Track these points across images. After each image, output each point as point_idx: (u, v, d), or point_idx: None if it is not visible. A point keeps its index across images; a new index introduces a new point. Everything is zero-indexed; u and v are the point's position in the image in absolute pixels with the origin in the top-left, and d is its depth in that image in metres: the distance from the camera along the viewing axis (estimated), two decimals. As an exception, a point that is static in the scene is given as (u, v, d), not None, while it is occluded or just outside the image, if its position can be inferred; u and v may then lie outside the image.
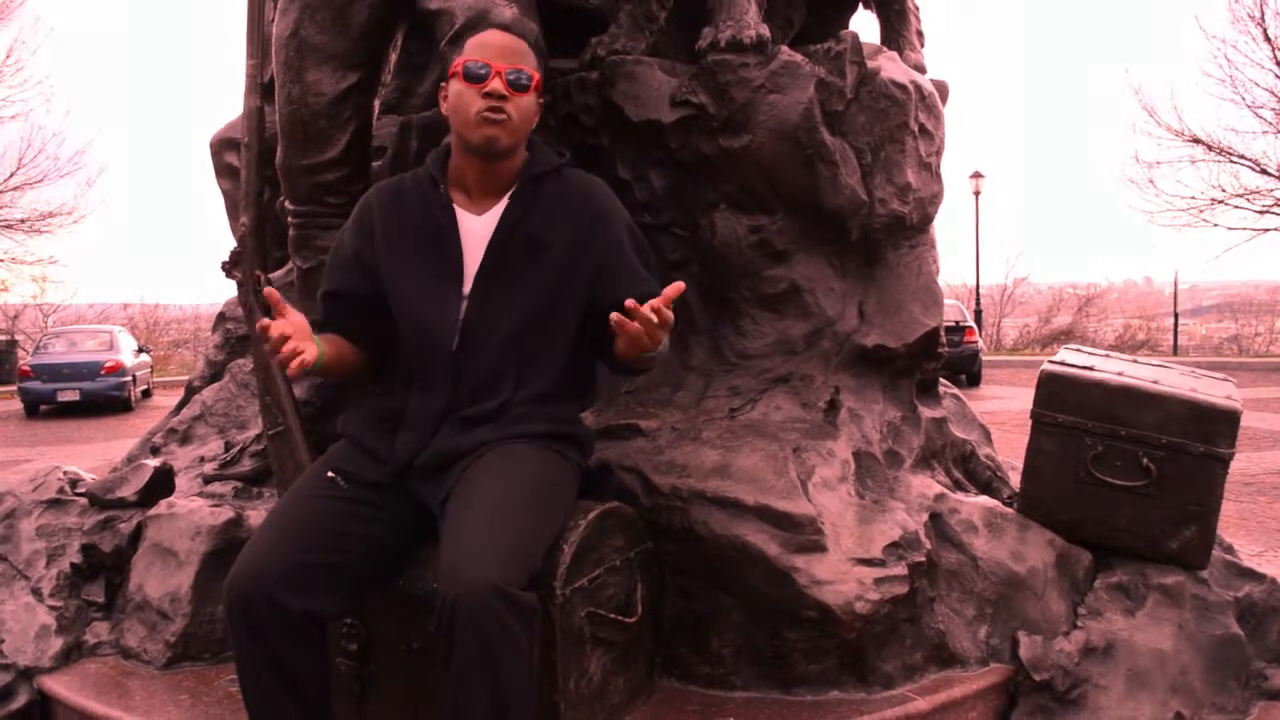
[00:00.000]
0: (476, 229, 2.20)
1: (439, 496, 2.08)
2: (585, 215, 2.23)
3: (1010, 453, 3.81)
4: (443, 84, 2.24)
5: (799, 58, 2.83)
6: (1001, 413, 11.39)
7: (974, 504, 2.84)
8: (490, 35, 2.22)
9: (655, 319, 1.91)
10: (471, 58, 2.15)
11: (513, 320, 2.17)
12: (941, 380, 3.40)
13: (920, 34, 3.66)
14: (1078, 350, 3.14)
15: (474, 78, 2.13)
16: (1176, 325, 28.25)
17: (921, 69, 3.44)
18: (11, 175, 23.17)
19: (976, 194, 25.66)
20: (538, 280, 2.18)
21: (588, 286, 2.20)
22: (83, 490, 3.15)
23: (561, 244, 2.19)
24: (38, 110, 31.32)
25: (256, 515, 2.86)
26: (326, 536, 2.01)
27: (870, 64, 2.92)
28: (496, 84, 2.12)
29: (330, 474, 2.13)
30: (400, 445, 2.15)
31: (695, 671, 2.52)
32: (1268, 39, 20.41)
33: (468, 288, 2.18)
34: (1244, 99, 21.19)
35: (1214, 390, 2.88)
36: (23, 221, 23.71)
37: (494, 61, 2.13)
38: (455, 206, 2.22)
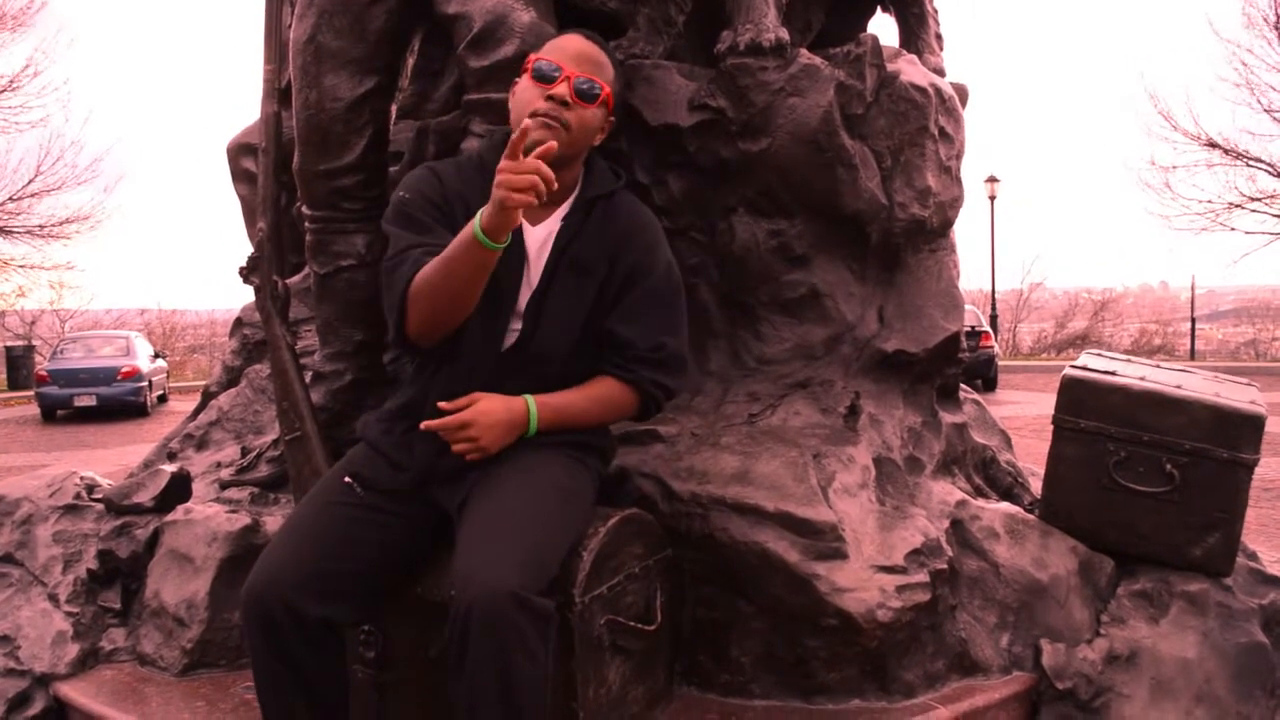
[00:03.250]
0: (531, 241, 2.15)
1: (456, 501, 2.07)
2: (627, 247, 2.18)
3: (1027, 458, 3.79)
4: (515, 79, 2.19)
5: (818, 61, 2.81)
6: (1018, 418, 11.35)
7: (995, 510, 2.81)
8: (570, 40, 2.17)
9: (449, 423, 2.01)
10: (545, 57, 2.11)
11: (558, 346, 2.15)
12: (961, 385, 3.38)
13: (939, 37, 3.64)
14: (1099, 355, 3.11)
15: (543, 77, 2.09)
16: (1194, 330, 28.13)
17: (941, 72, 3.42)
18: (30, 182, 23.39)
19: (992, 198, 25.62)
20: (581, 306, 2.15)
21: (614, 303, 2.19)
22: (99, 496, 3.15)
23: (602, 270, 2.16)
24: (56, 117, 31.58)
25: (273, 521, 2.86)
26: (344, 543, 2.00)
27: (890, 67, 2.90)
28: (563, 88, 2.07)
29: (347, 479, 2.12)
30: (419, 454, 2.13)
31: (715, 680, 2.50)
32: (1285, 42, 20.33)
33: (522, 303, 2.13)
34: (1260, 103, 21.13)
35: (1238, 395, 2.85)
36: (41, 228, 23.89)
37: (566, 65, 2.09)
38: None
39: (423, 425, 2.04)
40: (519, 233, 2.08)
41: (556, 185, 1.87)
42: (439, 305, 2.00)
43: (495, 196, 1.84)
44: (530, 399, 2.09)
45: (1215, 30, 32.68)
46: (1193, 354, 26.29)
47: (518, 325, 2.14)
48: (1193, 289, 29.68)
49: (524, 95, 2.11)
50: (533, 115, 2.03)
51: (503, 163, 1.84)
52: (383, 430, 2.22)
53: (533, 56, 2.14)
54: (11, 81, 22.62)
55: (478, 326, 2.10)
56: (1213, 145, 21.87)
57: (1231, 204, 22.27)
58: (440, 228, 2.10)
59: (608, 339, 2.18)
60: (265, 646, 1.93)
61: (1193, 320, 28.49)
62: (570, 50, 2.12)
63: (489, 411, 2.04)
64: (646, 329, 2.18)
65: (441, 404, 2.03)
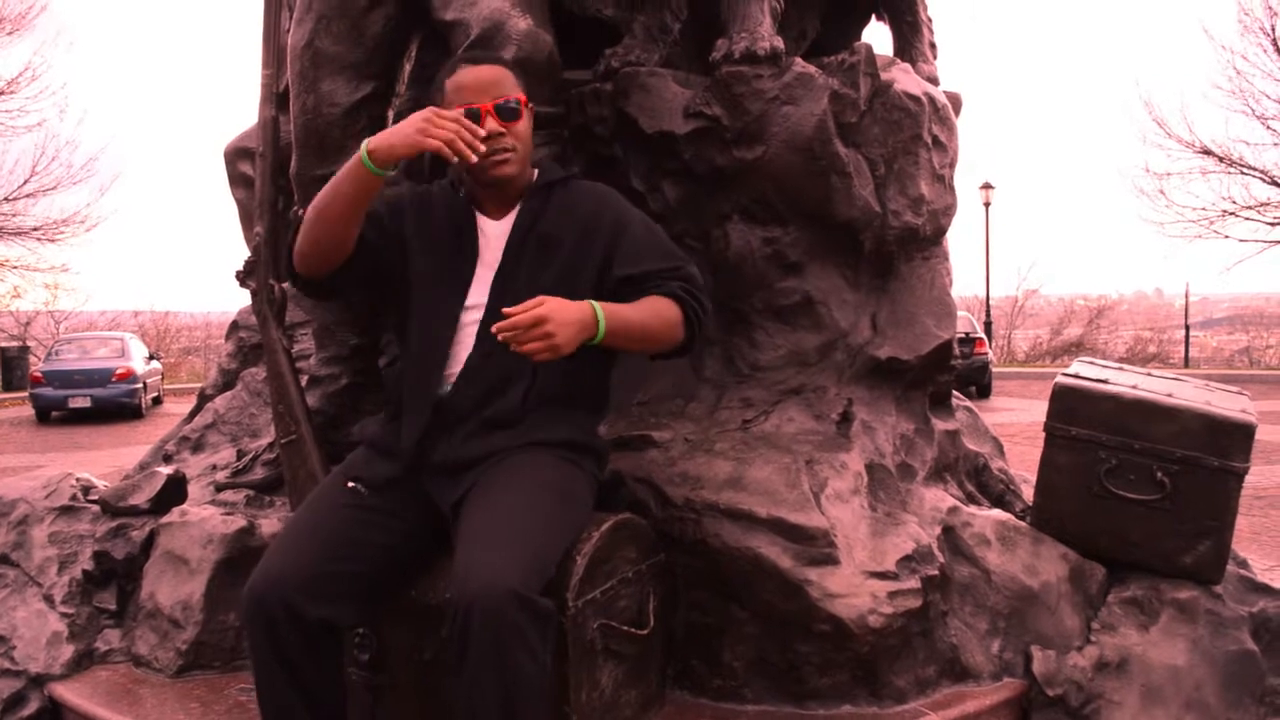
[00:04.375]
0: (493, 232, 2.25)
1: (451, 499, 2.10)
2: (595, 212, 2.27)
3: (1022, 465, 3.80)
4: None
5: (813, 69, 2.83)
6: (1012, 425, 11.36)
7: (987, 517, 2.83)
8: (464, 75, 2.23)
9: (522, 321, 1.94)
10: (457, 104, 2.18)
11: None
12: (954, 393, 3.39)
13: (933, 46, 3.66)
14: (1091, 363, 3.13)
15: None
16: (1188, 337, 28.14)
17: (935, 80, 3.44)
18: (25, 183, 23.31)
19: (986, 205, 25.63)
20: (550, 276, 2.20)
21: (598, 276, 2.22)
22: (95, 498, 3.15)
23: (571, 239, 2.22)
24: (51, 118, 31.50)
25: (269, 524, 2.87)
26: (345, 545, 2.02)
27: (884, 76, 2.92)
28: (491, 123, 2.16)
29: (350, 484, 2.14)
30: (405, 438, 2.17)
31: (707, 684, 2.51)
32: (1278, 50, 20.39)
33: (486, 288, 2.21)
34: (1254, 110, 21.18)
35: (1228, 403, 2.87)
36: (35, 229, 23.82)
37: (478, 100, 2.17)
38: (474, 210, 2.27)
39: (495, 327, 1.98)
40: (474, 229, 2.25)
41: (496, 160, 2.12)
42: (320, 227, 2.13)
43: (405, 129, 2.02)
44: (594, 302, 2.07)
45: (1210, 37, 32.77)
46: (1187, 361, 26.31)
47: (480, 303, 2.20)
48: (1186, 296, 29.71)
49: None
50: (482, 159, 2.12)
51: (430, 111, 2.03)
52: (378, 427, 2.28)
53: (459, 108, 2.18)
54: (9, 85, 22.57)
55: (434, 313, 2.21)
56: (1207, 153, 21.91)
57: (1225, 212, 22.32)
58: (384, 211, 2.27)
59: (624, 285, 2.21)
60: (265, 647, 1.94)
61: (1186, 328, 28.50)
62: (471, 86, 2.20)
63: (562, 308, 1.99)
64: (655, 258, 2.24)
65: (506, 310, 1.98)
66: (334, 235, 2.14)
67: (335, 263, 2.18)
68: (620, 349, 2.18)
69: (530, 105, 2.28)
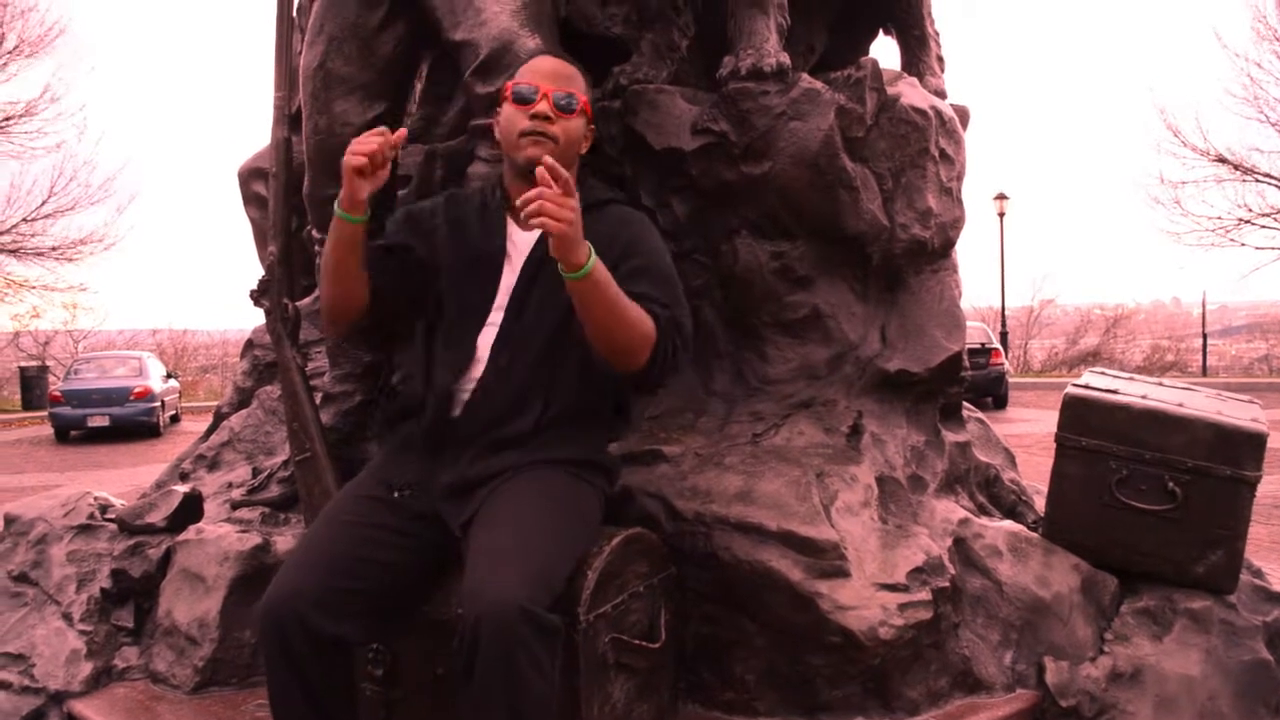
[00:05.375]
0: (520, 240, 2.26)
1: (461, 519, 2.11)
2: (613, 234, 2.23)
3: (1037, 476, 3.79)
4: (495, 109, 2.30)
5: (819, 85, 2.84)
6: (1029, 435, 11.33)
7: (998, 529, 2.83)
8: (541, 60, 2.28)
9: (550, 183, 1.88)
10: (521, 80, 2.22)
11: (544, 332, 2.20)
12: (965, 404, 3.39)
13: (940, 59, 3.67)
14: (1102, 373, 3.12)
15: (522, 99, 2.19)
16: (1205, 346, 27.98)
17: (942, 94, 3.45)
18: (43, 203, 23.50)
19: (1001, 215, 25.58)
20: (560, 296, 2.18)
21: None
22: (113, 516, 3.18)
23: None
24: (70, 140, 31.73)
25: (284, 541, 2.89)
26: (360, 562, 2.04)
27: (890, 90, 2.94)
28: (543, 105, 2.17)
29: (396, 494, 2.17)
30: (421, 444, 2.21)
31: (718, 697, 2.51)
32: (1292, 58, 20.32)
33: (505, 300, 2.23)
34: (1268, 118, 21.10)
35: (1239, 413, 2.86)
36: (54, 249, 24.00)
37: (542, 84, 2.19)
38: (508, 219, 2.28)
39: (520, 200, 1.92)
40: (504, 236, 2.26)
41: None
42: (328, 286, 2.18)
43: (345, 173, 2.03)
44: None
45: (1224, 44, 32.68)
46: (1204, 370, 26.17)
47: (498, 318, 2.22)
48: (1204, 305, 29.55)
49: (508, 120, 2.22)
50: (521, 135, 2.16)
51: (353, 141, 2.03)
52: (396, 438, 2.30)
53: (509, 83, 2.23)
54: (29, 107, 22.77)
55: (461, 323, 2.23)
56: (1221, 160, 21.84)
57: (1241, 220, 22.22)
58: (405, 234, 2.29)
59: None
60: (279, 663, 1.95)
61: (1204, 336, 28.34)
62: (543, 70, 2.23)
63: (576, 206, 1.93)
64: (656, 287, 2.17)
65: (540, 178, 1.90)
66: (341, 289, 2.17)
67: (356, 312, 2.21)
68: (586, 308, 2.02)
69: (591, 119, 2.29)
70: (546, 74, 2.22)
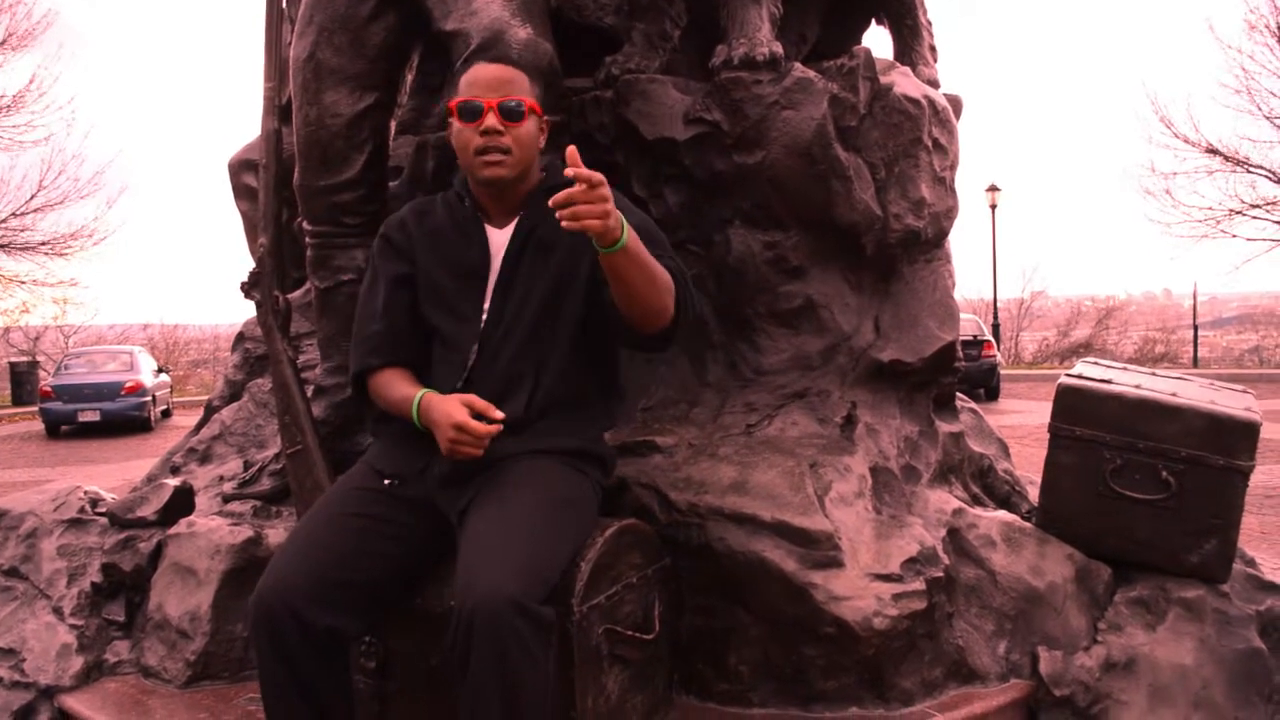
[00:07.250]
0: (498, 241, 2.26)
1: (457, 507, 2.11)
2: None
3: (1029, 467, 3.80)
4: (449, 120, 2.27)
5: (812, 74, 2.84)
6: (1021, 427, 11.35)
7: (992, 519, 2.83)
8: (478, 71, 2.25)
9: (581, 185, 1.85)
10: (464, 96, 2.20)
11: (526, 319, 2.21)
12: (958, 395, 3.39)
13: (933, 49, 3.66)
14: (1095, 363, 3.13)
15: (469, 115, 2.18)
16: (1196, 337, 28.03)
17: (935, 84, 3.45)
18: (32, 197, 23.38)
19: (993, 207, 25.58)
20: (547, 278, 2.22)
21: (590, 271, 2.18)
22: (103, 510, 3.17)
23: (566, 241, 2.19)
24: (59, 133, 31.59)
25: (275, 534, 2.88)
26: (351, 554, 2.03)
27: (883, 79, 2.93)
28: (491, 119, 2.16)
29: (387, 481, 2.18)
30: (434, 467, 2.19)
31: (713, 688, 2.51)
32: (1285, 49, 20.34)
33: (490, 294, 2.23)
34: (1260, 109, 21.13)
35: (1233, 402, 2.86)
36: (43, 244, 23.90)
37: (485, 96, 2.18)
38: (483, 224, 2.28)
39: (552, 201, 1.88)
40: (482, 238, 2.27)
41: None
42: (389, 409, 2.27)
43: (441, 433, 2.08)
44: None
45: (1216, 36, 32.74)
46: (1195, 361, 26.21)
47: (486, 306, 2.24)
48: (1194, 296, 29.61)
49: (459, 138, 2.22)
50: (476, 154, 2.16)
51: (456, 431, 2.06)
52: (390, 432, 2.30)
53: (453, 101, 2.22)
54: (16, 99, 22.65)
55: (451, 336, 2.24)
56: (1213, 152, 21.86)
57: (1232, 211, 22.26)
58: (398, 264, 2.32)
59: None
60: (271, 654, 1.95)
61: (1195, 327, 28.38)
62: (484, 80, 2.21)
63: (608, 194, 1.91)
64: (651, 245, 2.12)
65: (569, 172, 1.87)
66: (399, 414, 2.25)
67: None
68: (625, 275, 2.00)
69: (544, 116, 2.28)
70: (488, 84, 2.19)
